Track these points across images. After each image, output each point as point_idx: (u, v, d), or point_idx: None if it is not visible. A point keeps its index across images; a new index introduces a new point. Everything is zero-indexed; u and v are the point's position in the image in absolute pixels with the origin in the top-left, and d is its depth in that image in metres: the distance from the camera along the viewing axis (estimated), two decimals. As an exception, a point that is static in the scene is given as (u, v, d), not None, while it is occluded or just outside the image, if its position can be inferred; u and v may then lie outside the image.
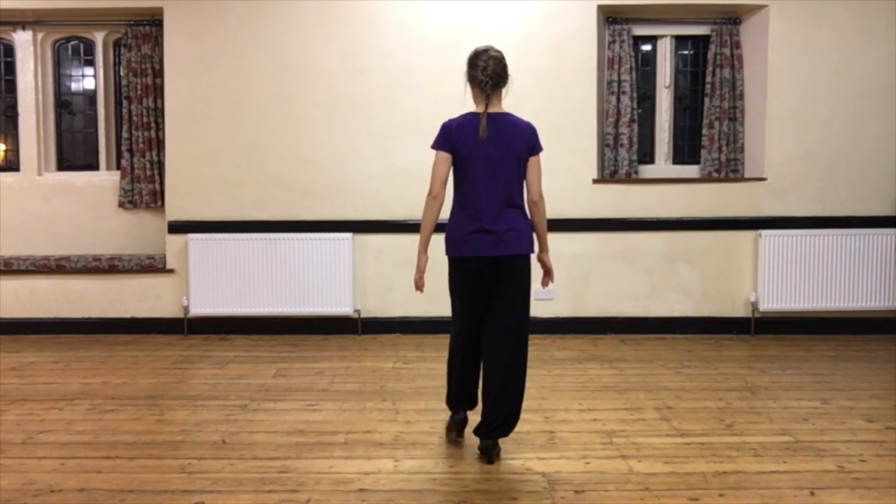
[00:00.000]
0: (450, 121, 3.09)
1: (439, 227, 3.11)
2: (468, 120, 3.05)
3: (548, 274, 3.27)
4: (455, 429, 3.32)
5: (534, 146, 3.09)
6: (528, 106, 5.46)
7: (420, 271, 3.13)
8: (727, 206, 5.67)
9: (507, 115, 3.08)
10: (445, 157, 3.05)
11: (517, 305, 3.08)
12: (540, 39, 5.59)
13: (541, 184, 3.11)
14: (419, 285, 3.15)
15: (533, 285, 3.16)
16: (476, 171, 3.01)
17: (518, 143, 3.04)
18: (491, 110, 3.04)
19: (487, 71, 3.01)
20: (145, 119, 5.83)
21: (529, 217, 3.13)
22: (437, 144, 3.08)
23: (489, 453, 3.09)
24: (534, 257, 3.18)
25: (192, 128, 5.70)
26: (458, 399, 3.28)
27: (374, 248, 5.70)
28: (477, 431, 3.15)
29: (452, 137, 3.04)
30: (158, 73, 5.85)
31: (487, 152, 3.00)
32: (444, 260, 3.18)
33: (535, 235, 3.18)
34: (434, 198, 3.05)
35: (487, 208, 3.01)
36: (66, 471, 3.03)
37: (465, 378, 3.23)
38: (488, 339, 3.10)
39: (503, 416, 3.08)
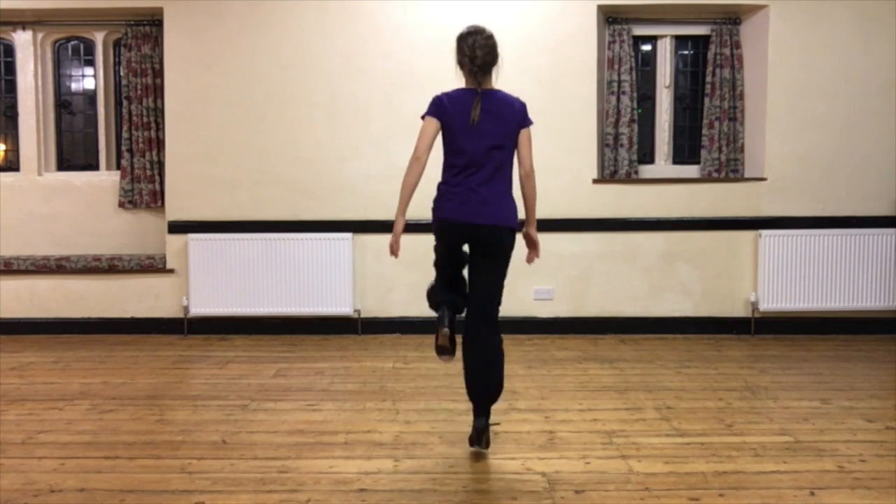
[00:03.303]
0: (441, 94, 3.07)
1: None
2: (460, 95, 3.04)
3: (534, 247, 3.24)
4: (445, 321, 3.16)
5: (523, 120, 3.09)
6: (528, 106, 5.48)
7: (396, 234, 3.08)
8: (727, 206, 5.67)
9: (498, 91, 3.08)
10: (435, 122, 3.02)
11: (496, 284, 3.12)
12: (540, 39, 5.59)
13: (532, 157, 3.10)
14: (394, 249, 3.09)
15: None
16: (465, 147, 3.01)
17: (509, 119, 3.04)
18: (483, 88, 3.03)
19: (477, 61, 2.99)
20: (145, 119, 5.83)
21: (521, 190, 3.11)
22: (428, 112, 3.05)
23: (480, 435, 3.09)
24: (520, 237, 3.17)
25: (192, 128, 5.70)
26: (443, 289, 3.23)
27: (374, 248, 5.70)
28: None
29: (444, 110, 3.02)
30: (158, 73, 5.85)
31: (478, 128, 2.99)
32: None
33: (524, 209, 3.17)
34: (417, 159, 3.01)
35: (474, 182, 3.01)
36: (66, 471, 3.03)
37: (449, 277, 3.23)
38: (468, 318, 3.14)
39: (490, 391, 3.11)
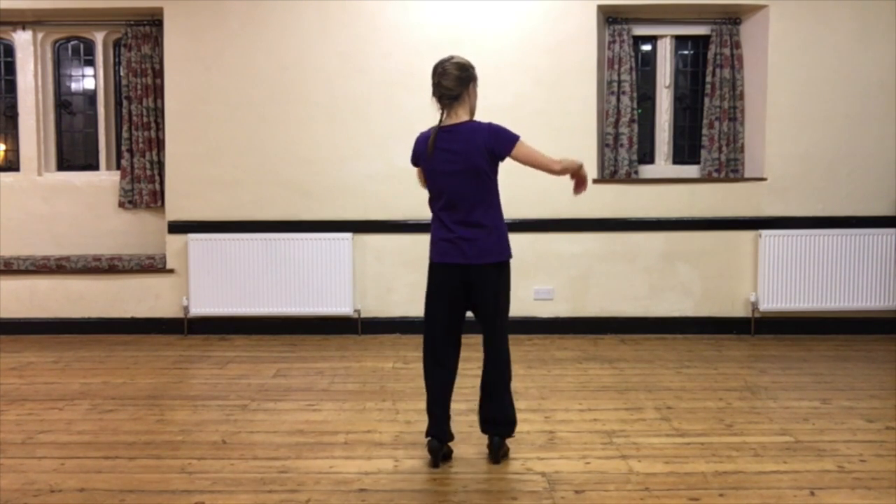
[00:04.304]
0: (420, 134, 3.11)
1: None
2: (428, 135, 3.05)
3: (582, 184, 3.06)
4: (431, 457, 3.08)
5: (496, 144, 2.94)
6: (528, 106, 5.49)
7: None
8: (727, 206, 5.67)
9: (465, 123, 2.99)
10: (418, 170, 3.17)
11: (492, 316, 3.06)
12: (540, 39, 5.59)
13: (548, 157, 2.94)
14: None
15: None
16: (433, 184, 3.04)
17: (472, 150, 2.93)
18: (449, 122, 2.99)
19: (439, 90, 2.99)
20: (145, 119, 5.83)
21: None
22: (411, 159, 3.16)
23: (495, 453, 3.08)
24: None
25: (192, 128, 5.70)
26: (430, 417, 3.10)
27: (374, 248, 5.70)
28: (483, 430, 3.16)
29: (417, 154, 3.10)
30: (158, 73, 5.85)
31: (437, 166, 2.98)
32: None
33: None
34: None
35: (448, 219, 3.00)
36: (66, 471, 3.03)
37: (433, 393, 3.11)
38: (483, 344, 3.14)
39: (496, 415, 3.10)
